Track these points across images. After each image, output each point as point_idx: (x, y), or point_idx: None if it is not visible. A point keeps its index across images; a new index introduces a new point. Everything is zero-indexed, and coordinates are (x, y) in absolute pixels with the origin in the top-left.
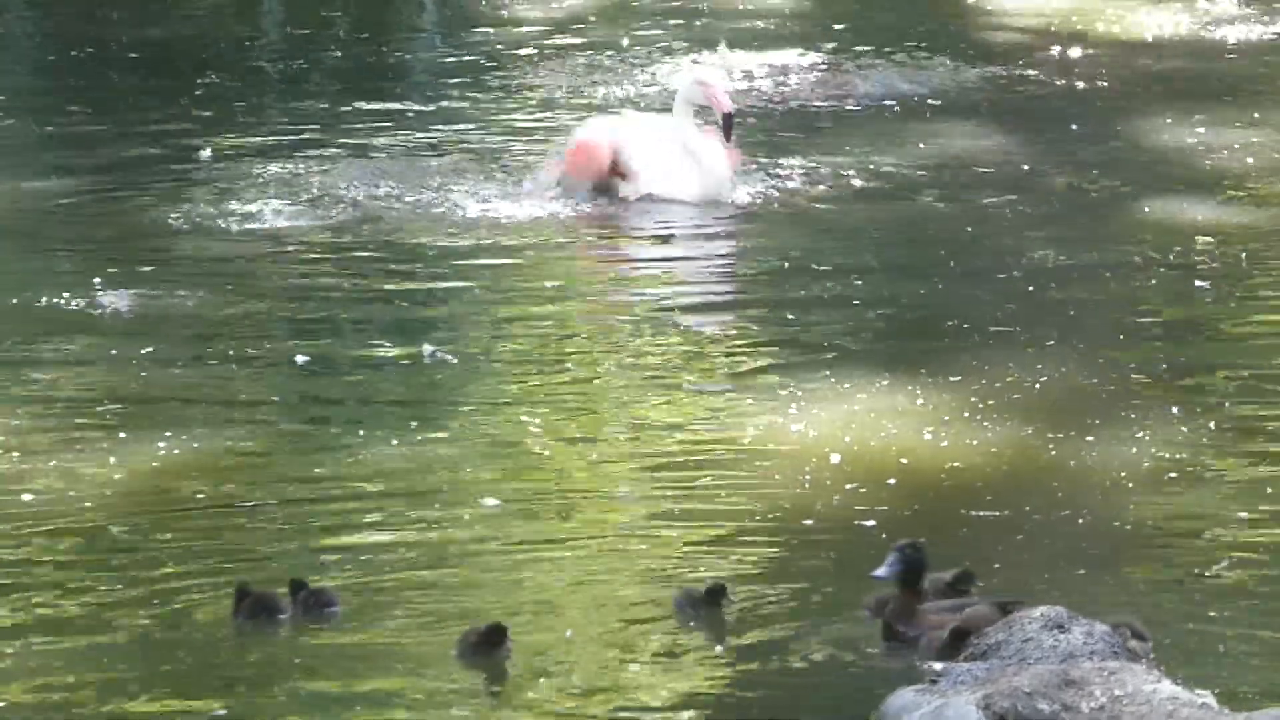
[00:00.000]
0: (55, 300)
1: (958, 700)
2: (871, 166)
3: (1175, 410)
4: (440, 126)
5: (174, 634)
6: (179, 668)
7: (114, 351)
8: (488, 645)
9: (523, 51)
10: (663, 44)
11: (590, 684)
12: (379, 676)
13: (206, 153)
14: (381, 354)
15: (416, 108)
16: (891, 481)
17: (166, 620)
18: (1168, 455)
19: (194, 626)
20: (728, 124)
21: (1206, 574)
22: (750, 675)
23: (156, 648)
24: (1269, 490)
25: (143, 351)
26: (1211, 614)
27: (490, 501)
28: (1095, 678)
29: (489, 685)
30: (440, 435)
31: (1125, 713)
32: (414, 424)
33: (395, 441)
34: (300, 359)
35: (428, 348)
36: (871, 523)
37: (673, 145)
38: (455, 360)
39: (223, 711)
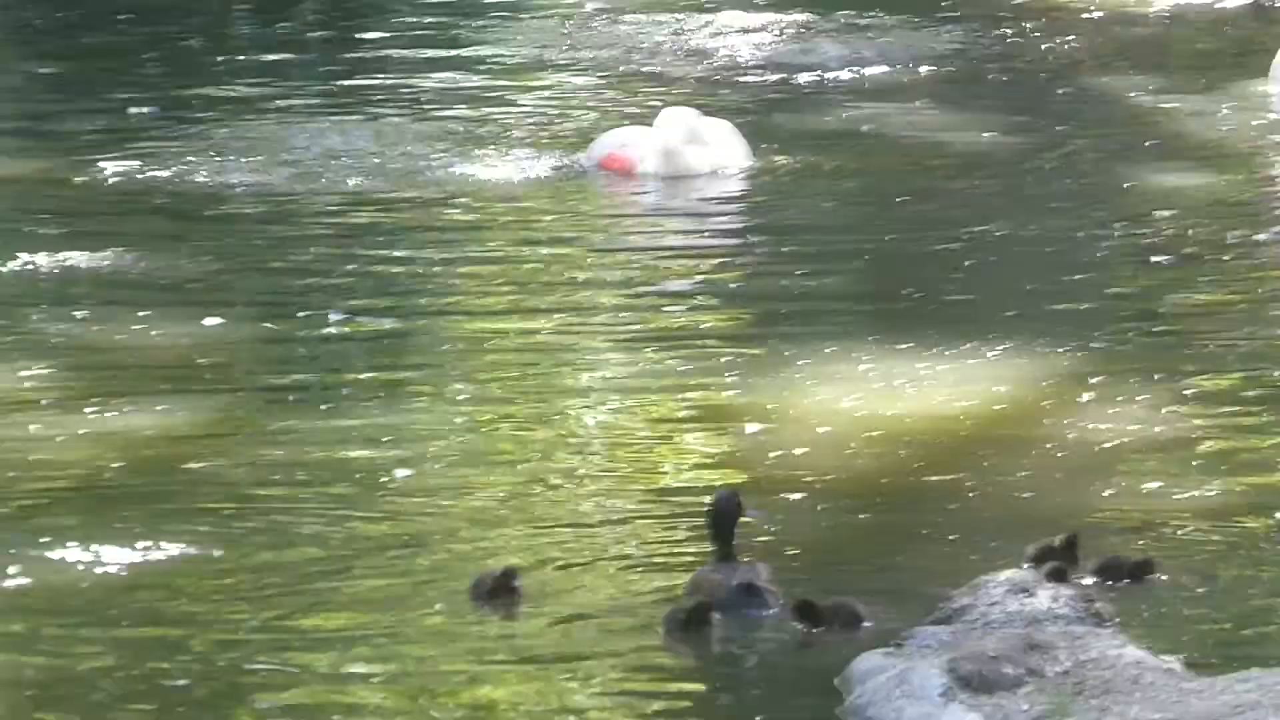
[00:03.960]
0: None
1: (923, 664)
2: (838, 133)
3: (1135, 381)
4: (414, 87)
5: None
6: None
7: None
8: (501, 590)
9: (501, 12)
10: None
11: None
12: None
13: (144, 110)
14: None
15: (387, 73)
16: (809, 448)
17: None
18: (1128, 426)
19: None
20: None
21: (1168, 542)
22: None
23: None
24: (1230, 459)
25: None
26: (1175, 580)
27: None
28: (1060, 642)
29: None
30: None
31: (1090, 677)
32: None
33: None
34: (335, 316)
35: (334, 315)
36: (799, 494)
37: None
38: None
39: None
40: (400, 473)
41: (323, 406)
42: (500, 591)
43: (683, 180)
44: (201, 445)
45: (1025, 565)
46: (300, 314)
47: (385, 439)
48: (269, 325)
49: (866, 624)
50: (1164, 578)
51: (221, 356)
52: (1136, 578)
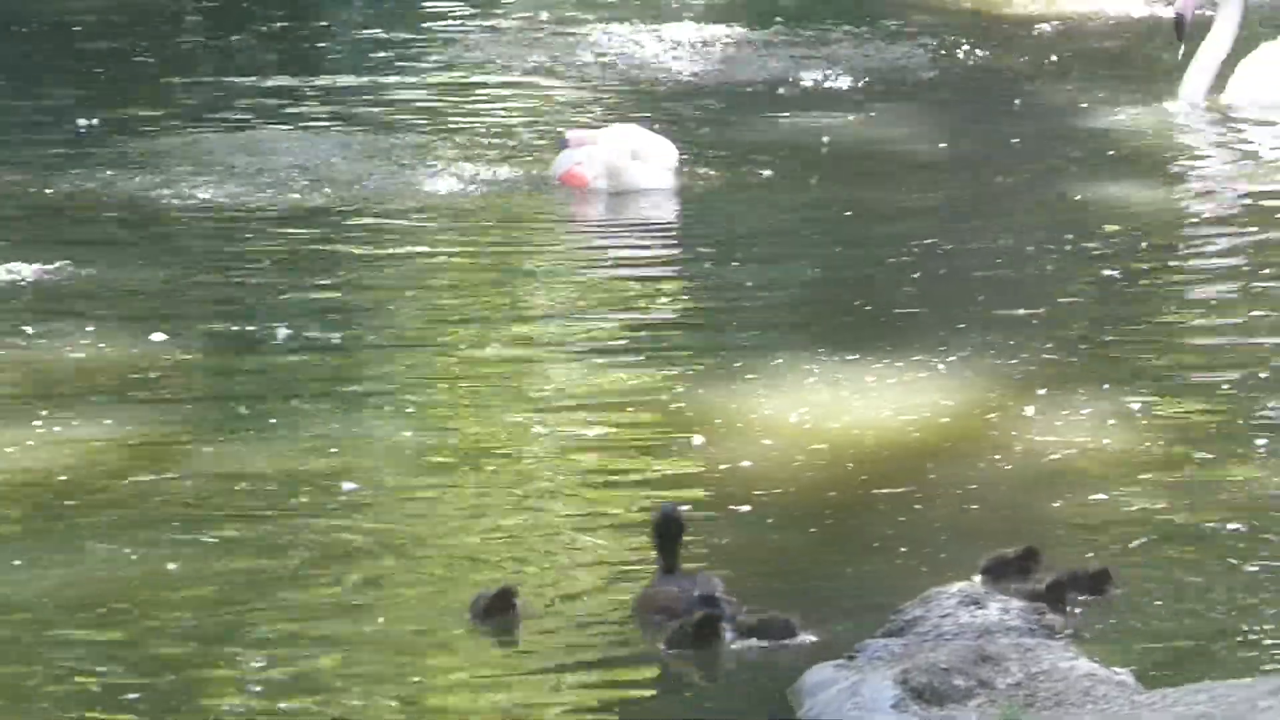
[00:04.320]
0: None
1: (874, 676)
2: (787, 145)
3: (1084, 393)
4: (365, 99)
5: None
6: None
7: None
8: (498, 609)
9: (450, 23)
10: (579, 14)
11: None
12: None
13: (85, 122)
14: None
15: (340, 80)
16: (756, 461)
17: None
18: (1076, 438)
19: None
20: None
21: (1121, 553)
22: (654, 656)
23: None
24: (1178, 472)
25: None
26: (1127, 591)
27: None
28: (1012, 654)
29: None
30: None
31: (1041, 689)
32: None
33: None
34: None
35: (282, 329)
36: (746, 507)
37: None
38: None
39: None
40: (348, 485)
41: (271, 420)
42: (497, 610)
43: (630, 195)
44: (149, 457)
45: (979, 577)
46: (248, 327)
47: (333, 451)
48: (217, 339)
49: (801, 637)
50: (1118, 591)
51: (169, 370)
52: (1095, 590)
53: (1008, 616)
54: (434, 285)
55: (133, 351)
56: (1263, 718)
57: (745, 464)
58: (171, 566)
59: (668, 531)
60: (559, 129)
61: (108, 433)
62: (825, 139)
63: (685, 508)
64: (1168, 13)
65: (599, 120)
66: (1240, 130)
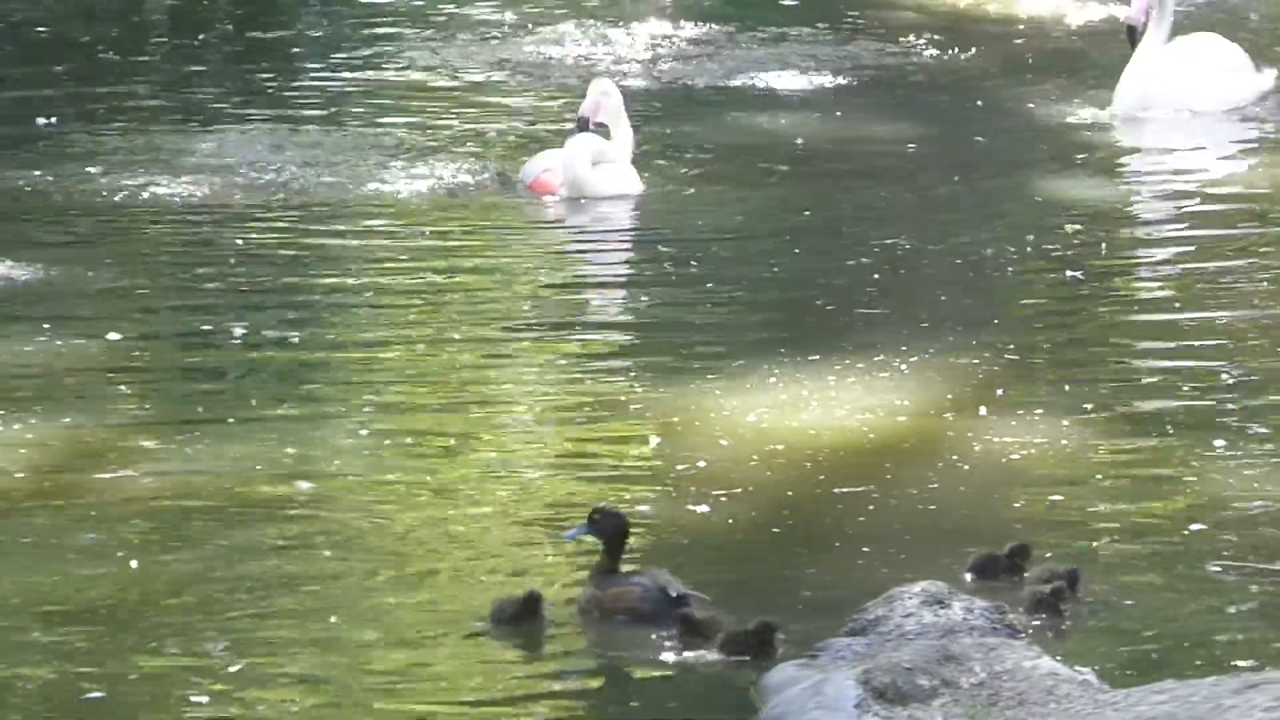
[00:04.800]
0: None
1: (837, 675)
2: (748, 145)
3: (1044, 393)
4: (328, 99)
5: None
6: None
7: None
8: (525, 615)
9: (412, 23)
10: (544, 12)
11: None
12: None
13: (44, 120)
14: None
15: (301, 79)
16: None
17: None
18: (1035, 438)
19: None
20: (581, 125)
21: (1081, 554)
22: (617, 660)
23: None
24: (1137, 472)
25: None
26: (1087, 592)
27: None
28: (975, 653)
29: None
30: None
31: (1005, 689)
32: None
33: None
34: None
35: (237, 329)
36: (704, 507)
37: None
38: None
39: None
40: (304, 484)
41: (229, 419)
42: (524, 616)
43: (591, 201)
44: (106, 457)
45: (967, 575)
46: (203, 326)
47: (289, 450)
48: (174, 338)
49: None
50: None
51: (125, 369)
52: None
53: (971, 616)
54: (393, 285)
55: (89, 351)
56: (1227, 717)
57: (702, 464)
58: (133, 565)
59: (613, 529)
60: (529, 128)
61: (64, 432)
62: (783, 139)
63: (642, 508)
64: (1127, 11)
65: (565, 120)
66: (1176, 134)
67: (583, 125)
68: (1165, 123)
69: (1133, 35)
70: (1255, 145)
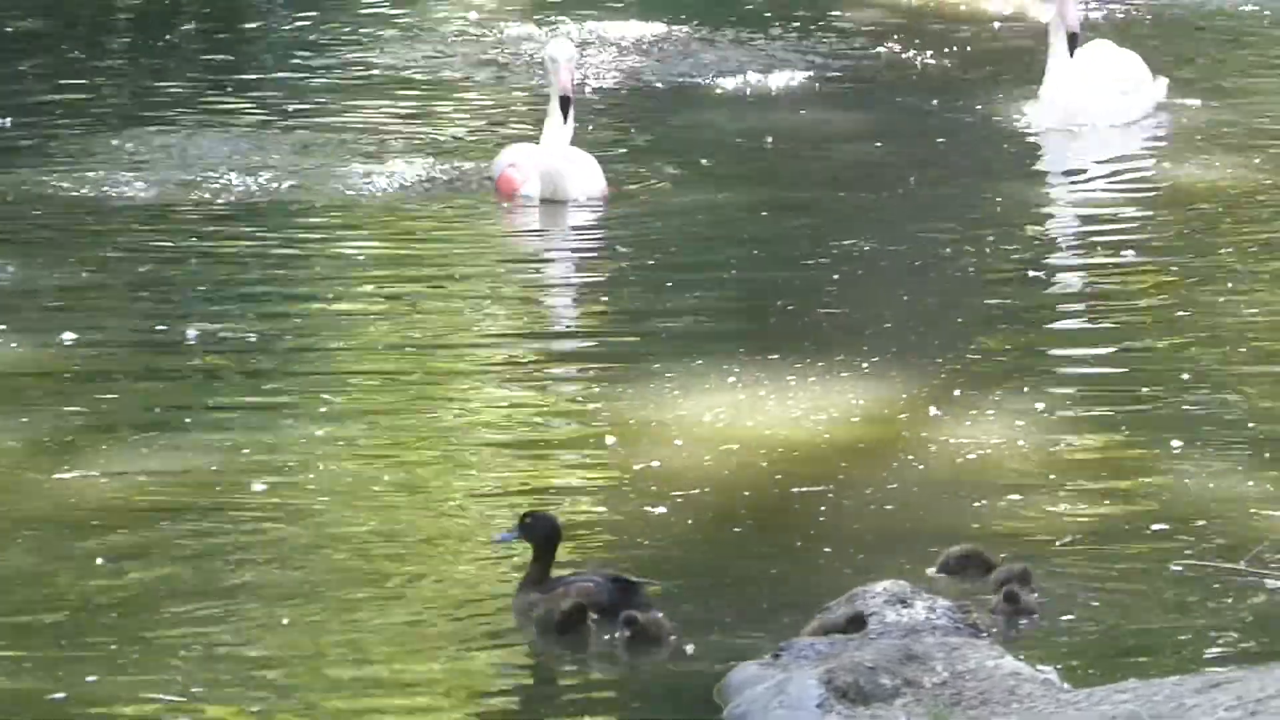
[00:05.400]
0: None
1: (800, 675)
2: (713, 144)
3: (1003, 394)
4: (292, 100)
5: None
6: None
7: None
8: (575, 623)
9: (381, 23)
10: (511, 11)
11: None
12: None
13: (5, 121)
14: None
15: (267, 79)
16: (669, 461)
17: None
18: (994, 440)
19: None
20: (564, 106)
21: (1043, 553)
22: (578, 661)
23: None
24: (1098, 473)
25: None
26: (1049, 592)
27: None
28: (937, 653)
29: None
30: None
31: (967, 688)
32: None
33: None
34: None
35: (191, 331)
36: (661, 508)
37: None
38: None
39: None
40: (259, 485)
41: (185, 420)
42: (572, 625)
43: (559, 201)
44: (62, 458)
45: (932, 570)
46: (160, 327)
47: (245, 451)
48: (129, 339)
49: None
50: (1036, 594)
51: (80, 370)
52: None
53: (934, 615)
54: (353, 287)
55: (45, 352)
56: (1189, 716)
57: (659, 464)
58: (98, 562)
59: (543, 534)
60: (493, 128)
61: (20, 433)
62: (748, 139)
63: (600, 509)
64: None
65: (530, 119)
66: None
67: (565, 104)
68: (1108, 128)
69: (1073, 41)
70: (1202, 145)
